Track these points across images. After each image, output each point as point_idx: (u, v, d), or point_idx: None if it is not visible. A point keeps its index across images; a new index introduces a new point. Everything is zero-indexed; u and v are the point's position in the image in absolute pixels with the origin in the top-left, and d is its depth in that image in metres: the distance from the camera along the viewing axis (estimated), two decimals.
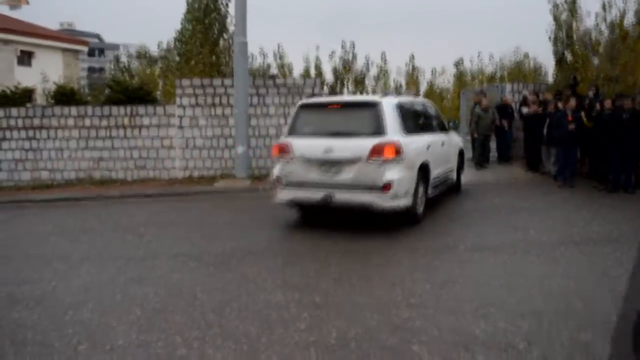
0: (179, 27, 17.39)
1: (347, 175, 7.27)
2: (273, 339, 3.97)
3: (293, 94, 13.73)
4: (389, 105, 7.69)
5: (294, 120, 8.03)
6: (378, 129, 7.39)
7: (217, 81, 14.03)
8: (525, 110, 13.44)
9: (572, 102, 11.25)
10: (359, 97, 9.75)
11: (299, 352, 3.75)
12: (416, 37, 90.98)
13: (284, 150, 7.77)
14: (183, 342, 3.97)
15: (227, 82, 13.91)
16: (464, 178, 11.54)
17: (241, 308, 4.64)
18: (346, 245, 6.77)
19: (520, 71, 30.84)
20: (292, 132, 7.95)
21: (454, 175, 10.48)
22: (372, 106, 7.65)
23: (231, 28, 15.88)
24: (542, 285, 5.15)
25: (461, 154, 11.02)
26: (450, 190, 10.27)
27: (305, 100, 8.47)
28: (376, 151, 7.19)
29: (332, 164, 7.37)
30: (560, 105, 11.81)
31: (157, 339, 4.04)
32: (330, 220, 8.17)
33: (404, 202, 7.40)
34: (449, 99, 33.15)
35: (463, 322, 4.23)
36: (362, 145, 7.27)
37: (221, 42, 16.59)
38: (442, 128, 10.03)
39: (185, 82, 14.00)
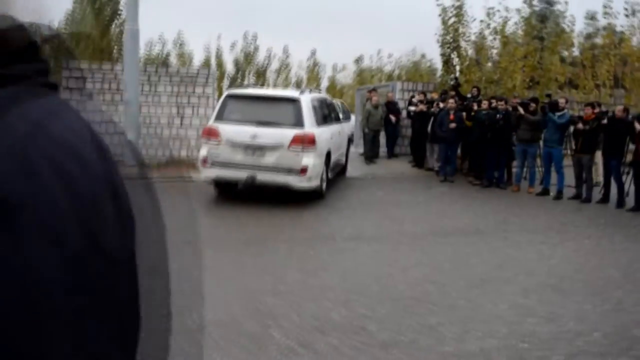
0: (70, 7, 16.63)
1: (269, 159, 8.30)
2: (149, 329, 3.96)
3: (187, 83, 13.53)
4: (306, 101, 8.92)
5: (222, 108, 8.96)
6: (298, 122, 8.56)
7: (106, 66, 13.55)
8: (412, 108, 14.08)
9: (453, 102, 11.93)
10: (281, 92, 10.65)
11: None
12: (319, 32, 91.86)
13: (212, 133, 8.64)
14: None
15: (117, 67, 13.47)
16: (354, 172, 12.00)
17: None
18: (226, 234, 6.83)
19: (417, 71, 32.06)
20: (219, 118, 8.81)
21: (344, 159, 11.71)
22: (293, 101, 8.84)
23: (124, 13, 15.36)
24: (406, 273, 5.49)
25: (349, 140, 12.32)
26: (341, 171, 11.47)
27: (232, 91, 9.79)
28: (296, 140, 8.35)
29: (256, 148, 8.38)
30: (442, 104, 12.49)
31: None
32: (234, 201, 8.62)
33: (315, 183, 8.63)
34: (349, 95, 33.88)
35: (324, 309, 4.43)
36: (285, 134, 8.39)
37: (113, 27, 16.00)
38: (337, 119, 11.20)
39: (73, 65, 13.39)
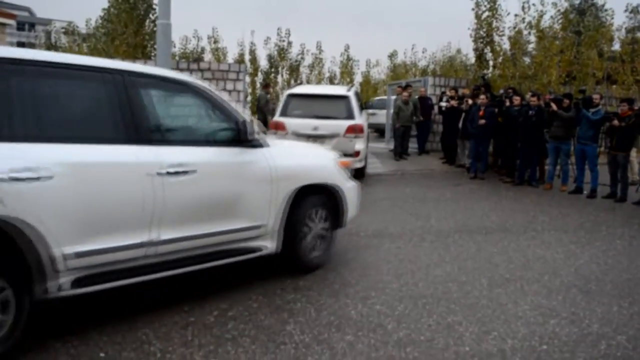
0: (106, 5, 16.95)
1: (328, 146, 8.71)
2: (153, 318, 4.04)
3: (217, 79, 13.67)
4: (353, 97, 10.97)
5: (285, 105, 10.76)
6: (349, 115, 10.62)
7: (140, 62, 13.77)
8: (443, 104, 13.93)
9: (483, 98, 11.76)
10: (332, 90, 12.39)
11: (177, 332, 3.84)
12: (352, 28, 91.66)
13: (279, 126, 10.42)
14: (62, 319, 3.98)
15: (151, 63, 13.66)
16: (383, 168, 11.99)
17: (126, 286, 4.66)
18: None
19: (452, 66, 31.64)
20: (284, 114, 10.66)
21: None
22: (344, 98, 10.88)
23: (157, 9, 15.56)
24: (427, 270, 5.44)
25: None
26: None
27: (292, 91, 11.51)
28: (350, 130, 10.44)
29: (317, 137, 9.92)
30: (473, 101, 12.33)
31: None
32: None
33: (363, 163, 10.92)
34: (383, 90, 33.67)
35: (342, 304, 4.44)
36: (340, 125, 10.44)
37: (147, 22, 16.24)
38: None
39: None
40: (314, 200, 5.17)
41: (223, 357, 3.49)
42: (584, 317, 4.32)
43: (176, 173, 3.96)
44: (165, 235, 3.95)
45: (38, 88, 3.50)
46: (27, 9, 74.95)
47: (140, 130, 3.89)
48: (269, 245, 4.82)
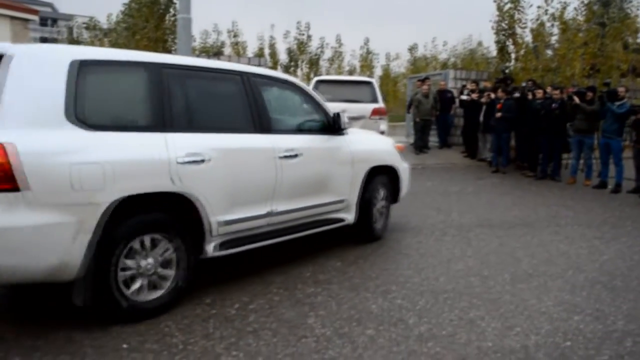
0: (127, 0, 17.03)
1: (356, 126, 9.11)
2: (175, 310, 4.06)
3: None
4: (376, 84, 12.68)
5: (314, 90, 10.28)
6: (374, 99, 12.09)
7: None
8: (463, 97, 13.80)
9: (501, 92, 11.63)
10: (356, 77, 15.07)
11: (199, 324, 3.86)
12: (372, 21, 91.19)
13: None
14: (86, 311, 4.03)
15: None
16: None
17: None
18: None
19: (473, 59, 31.33)
20: None
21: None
22: (368, 83, 12.59)
23: (178, 3, 15.62)
24: (449, 265, 5.40)
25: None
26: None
27: (320, 77, 12.75)
28: (375, 112, 11.87)
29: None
30: (495, 94, 12.19)
31: (57, 307, 4.08)
32: None
33: None
34: (403, 84, 33.49)
35: (362, 298, 4.42)
36: (366, 108, 11.81)
37: (168, 17, 16.30)
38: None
39: None
40: (379, 180, 6.13)
41: (244, 350, 3.50)
42: (609, 314, 4.25)
43: (288, 157, 4.90)
44: (280, 208, 4.88)
45: (198, 89, 4.44)
46: (50, 5, 75.78)
47: (263, 121, 4.82)
48: (349, 217, 5.79)
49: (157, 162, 3.87)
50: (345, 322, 3.95)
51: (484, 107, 12.42)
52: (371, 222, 6.08)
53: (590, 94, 10.37)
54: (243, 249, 4.57)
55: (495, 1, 15.23)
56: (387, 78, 34.14)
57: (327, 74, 28.91)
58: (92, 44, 27.04)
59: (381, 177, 6.17)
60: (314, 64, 28.97)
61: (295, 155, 4.94)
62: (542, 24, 15.01)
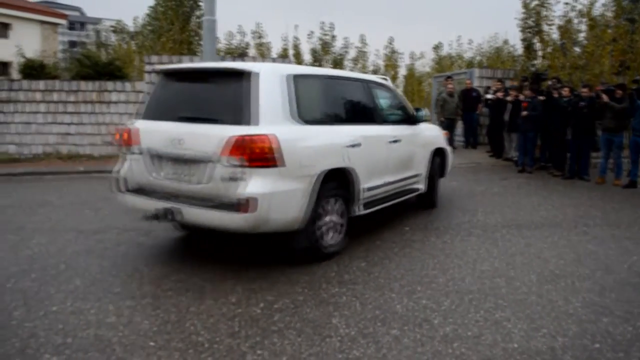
0: (153, 3, 17.28)
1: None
2: (202, 309, 4.12)
3: None
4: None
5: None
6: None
7: (185, 58, 14.00)
8: (489, 96, 13.66)
9: (527, 91, 11.48)
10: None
11: (224, 323, 3.90)
12: (396, 20, 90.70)
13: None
14: (115, 310, 4.10)
15: (196, 59, 13.88)
16: None
17: (179, 279, 4.77)
18: None
19: (499, 57, 30.96)
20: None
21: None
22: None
23: (202, 5, 15.77)
24: (474, 265, 5.36)
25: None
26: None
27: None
28: None
29: None
30: (521, 93, 12.06)
31: (91, 307, 4.16)
32: None
33: None
34: (428, 83, 33.26)
35: (387, 298, 4.42)
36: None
37: (193, 19, 16.47)
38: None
39: (154, 58, 13.96)
40: (436, 159, 7.90)
41: (269, 349, 3.52)
42: (638, 316, 4.17)
43: (394, 142, 6.64)
44: (389, 179, 6.56)
45: (350, 93, 6.29)
46: (78, 9, 77.06)
47: (381, 115, 6.74)
48: (422, 187, 7.55)
49: (338, 146, 5.54)
50: (370, 322, 3.95)
51: (509, 106, 12.28)
52: (435, 192, 7.94)
53: (619, 92, 10.17)
54: (370, 211, 6.12)
55: None
56: (412, 77, 33.87)
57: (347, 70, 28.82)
58: (119, 47, 27.45)
59: (437, 157, 7.90)
60: (338, 64, 28.90)
61: (397, 141, 6.67)
62: (569, 21, 14.78)
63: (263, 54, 27.03)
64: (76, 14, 71.84)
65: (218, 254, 5.60)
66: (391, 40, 31.89)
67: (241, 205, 4.60)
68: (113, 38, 29.10)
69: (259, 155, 4.65)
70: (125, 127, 5.54)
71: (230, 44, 27.79)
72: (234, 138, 4.65)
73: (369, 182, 5.99)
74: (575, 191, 9.64)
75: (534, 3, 14.89)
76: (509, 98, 12.41)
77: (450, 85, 14.09)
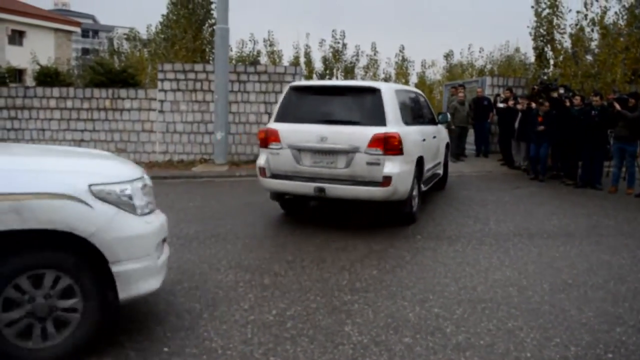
0: (166, 11, 17.43)
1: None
2: (215, 315, 4.15)
3: (274, 81, 13.85)
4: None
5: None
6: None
7: (198, 66, 14.11)
8: (500, 105, 13.65)
9: (546, 105, 11.43)
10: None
11: (238, 330, 3.92)
12: (407, 28, 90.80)
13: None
14: (130, 315, 4.13)
15: (209, 67, 14.00)
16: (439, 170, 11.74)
17: (191, 287, 4.80)
18: (306, 230, 6.95)
19: (510, 65, 30.92)
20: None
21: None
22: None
23: (215, 14, 15.90)
24: (486, 274, 5.35)
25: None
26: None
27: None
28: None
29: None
30: (533, 102, 12.03)
31: None
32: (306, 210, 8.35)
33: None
34: (439, 91, 33.24)
35: (399, 307, 4.43)
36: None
37: (206, 27, 16.61)
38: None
39: (167, 66, 14.08)
40: (446, 150, 10.41)
41: (282, 356, 3.55)
42: None
43: (433, 137, 8.87)
44: (431, 165, 8.59)
45: (416, 102, 8.62)
46: (91, 17, 77.83)
47: (427, 118, 8.99)
48: (441, 172, 9.89)
49: (419, 140, 7.71)
50: (382, 330, 3.96)
51: (519, 115, 12.26)
52: (446, 176, 10.52)
53: (632, 101, 10.13)
54: (425, 188, 8.20)
55: (533, 7, 15.05)
56: (423, 85, 33.91)
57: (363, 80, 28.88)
58: (132, 54, 27.71)
59: (446, 149, 10.40)
60: (349, 72, 29.00)
61: (435, 137, 8.95)
62: (581, 29, 14.75)
63: (275, 61, 27.20)
64: (89, 21, 72.56)
65: (230, 262, 5.62)
66: (402, 48, 31.98)
67: (383, 181, 6.62)
68: (126, 46, 29.40)
69: (391, 147, 6.68)
70: (265, 128, 7.38)
71: (242, 51, 28.03)
72: (375, 135, 6.68)
73: (426, 166, 8.11)
74: (588, 200, 9.59)
75: (545, 12, 14.88)
76: (519, 106, 12.39)
77: (461, 94, 14.09)
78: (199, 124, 14.04)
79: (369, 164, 6.70)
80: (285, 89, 7.61)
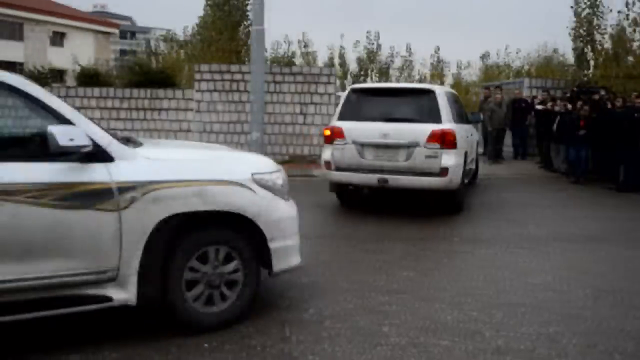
0: (202, 13, 17.67)
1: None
2: (253, 313, 4.18)
3: (309, 82, 13.90)
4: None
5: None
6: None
7: (234, 67, 14.27)
8: (539, 107, 13.43)
9: (586, 109, 11.19)
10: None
11: (276, 328, 3.95)
12: (443, 29, 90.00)
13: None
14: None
15: (245, 68, 14.13)
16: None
17: None
18: (343, 231, 6.97)
19: (549, 66, 30.36)
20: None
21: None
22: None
23: (251, 15, 16.00)
24: (525, 278, 5.28)
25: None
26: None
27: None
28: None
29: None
30: (570, 106, 11.81)
31: None
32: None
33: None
34: (475, 92, 32.86)
35: (436, 309, 4.39)
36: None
37: (241, 28, 16.77)
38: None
39: (204, 67, 14.27)
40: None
41: (320, 355, 3.56)
42: None
43: (471, 135, 9.61)
44: (468, 160, 8.81)
45: (458, 102, 9.46)
46: (129, 19, 79.35)
47: (463, 117, 9.41)
48: (474, 167, 10.54)
49: (465, 136, 8.46)
50: (420, 332, 3.94)
51: (557, 117, 12.03)
52: (477, 170, 11.16)
53: None
54: (466, 181, 8.61)
55: (572, 7, 14.77)
56: (459, 86, 33.57)
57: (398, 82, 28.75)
58: (169, 55, 28.15)
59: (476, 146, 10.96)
60: (384, 73, 28.95)
61: (472, 134, 9.66)
62: (622, 30, 14.41)
63: (309, 62, 27.31)
64: (127, 23, 73.98)
65: None
66: (437, 49, 31.76)
67: (441, 172, 7.42)
68: (163, 47, 29.87)
69: (448, 141, 7.52)
70: (330, 126, 8.24)
71: (277, 52, 28.22)
72: (433, 131, 7.51)
73: (467, 160, 8.64)
74: (629, 204, 9.37)
75: (585, 12, 14.59)
76: (557, 108, 12.16)
77: (498, 95, 13.92)
78: (234, 124, 14.20)
79: (427, 157, 7.49)
80: (346, 91, 8.70)
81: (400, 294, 4.73)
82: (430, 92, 7.99)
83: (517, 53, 32.73)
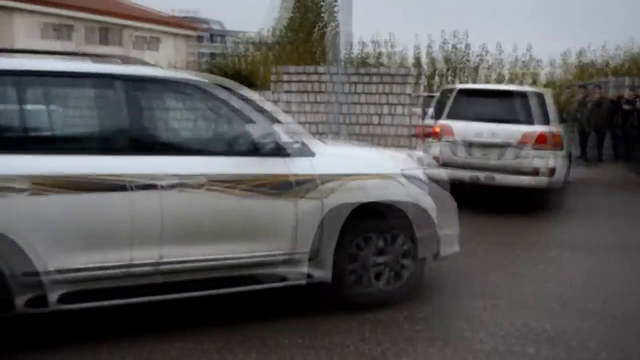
0: (289, 15, 17.88)
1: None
2: (333, 313, 4.05)
3: (385, 82, 13.62)
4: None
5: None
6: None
7: (310, 68, 14.20)
8: (624, 106, 12.55)
9: None
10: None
11: (355, 328, 3.85)
12: (535, 27, 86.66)
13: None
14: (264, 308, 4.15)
15: (320, 69, 14.05)
16: (571, 175, 10.97)
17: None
18: None
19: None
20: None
21: None
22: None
23: (325, 16, 15.98)
24: (631, 287, 4.90)
25: None
26: None
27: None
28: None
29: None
30: None
31: None
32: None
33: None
34: (570, 92, 31.17)
35: (534, 316, 4.15)
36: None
37: (316, 30, 16.79)
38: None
39: (280, 69, 14.33)
40: None
41: (412, 356, 3.46)
42: None
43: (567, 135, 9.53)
44: None
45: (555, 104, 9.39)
46: (219, 22, 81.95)
47: (560, 118, 9.18)
48: None
49: (566, 138, 8.52)
50: (518, 340, 3.71)
51: None
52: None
53: None
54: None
55: None
56: (553, 85, 32.00)
57: (487, 82, 27.82)
58: (247, 57, 28.60)
59: None
60: (470, 72, 28.09)
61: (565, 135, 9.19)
62: None
63: (395, 62, 26.93)
64: (217, 27, 76.36)
65: None
66: (529, 47, 30.40)
67: (548, 172, 7.65)
68: (251, 49, 30.49)
69: (556, 143, 7.84)
70: (440, 124, 8.61)
71: (363, 52, 28.04)
72: (541, 132, 7.77)
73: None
74: None
75: None
76: None
77: (596, 94, 13.10)
78: (311, 124, 14.12)
79: (535, 157, 7.68)
80: (454, 91, 9.05)
81: (494, 299, 4.51)
82: (538, 95, 8.33)
83: (615, 50, 30.63)
